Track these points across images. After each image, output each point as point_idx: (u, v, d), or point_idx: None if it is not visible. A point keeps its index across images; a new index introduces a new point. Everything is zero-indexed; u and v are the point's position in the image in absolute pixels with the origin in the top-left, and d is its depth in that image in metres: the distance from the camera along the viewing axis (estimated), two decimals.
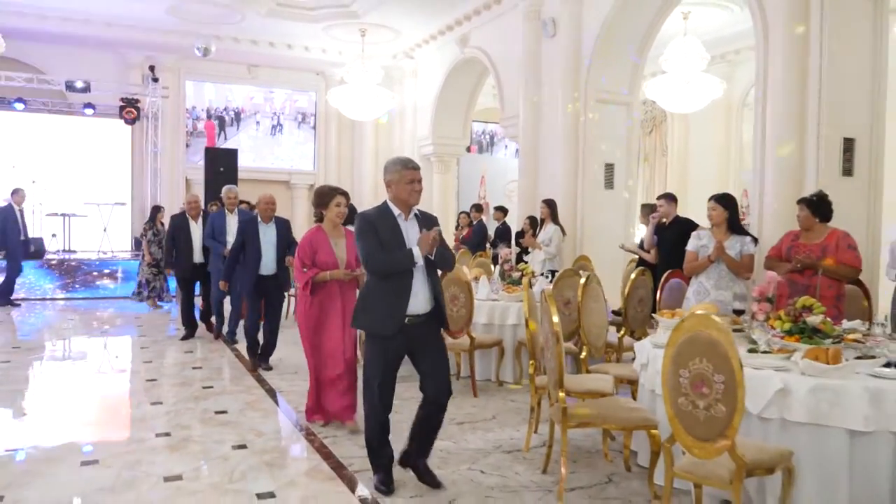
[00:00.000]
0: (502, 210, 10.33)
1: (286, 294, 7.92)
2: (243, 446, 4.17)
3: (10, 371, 6.19)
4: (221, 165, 11.92)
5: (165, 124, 13.78)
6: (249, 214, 7.61)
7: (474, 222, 10.03)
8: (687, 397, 2.76)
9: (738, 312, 4.40)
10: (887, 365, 3.30)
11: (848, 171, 6.34)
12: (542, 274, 7.05)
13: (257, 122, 15.50)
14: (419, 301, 3.40)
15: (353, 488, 3.56)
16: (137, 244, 12.30)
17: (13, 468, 3.79)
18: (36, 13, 11.96)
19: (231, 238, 7.24)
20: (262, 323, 6.39)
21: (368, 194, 15.52)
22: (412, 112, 14.62)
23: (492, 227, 11.19)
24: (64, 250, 12.75)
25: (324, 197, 4.57)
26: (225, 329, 7.70)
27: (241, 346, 7.11)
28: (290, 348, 6.85)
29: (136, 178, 13.84)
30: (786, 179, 6.37)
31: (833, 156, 6.27)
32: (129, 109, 12.83)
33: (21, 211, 10.79)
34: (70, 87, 12.23)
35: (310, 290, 4.47)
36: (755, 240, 5.00)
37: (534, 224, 8.76)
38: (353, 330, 4.51)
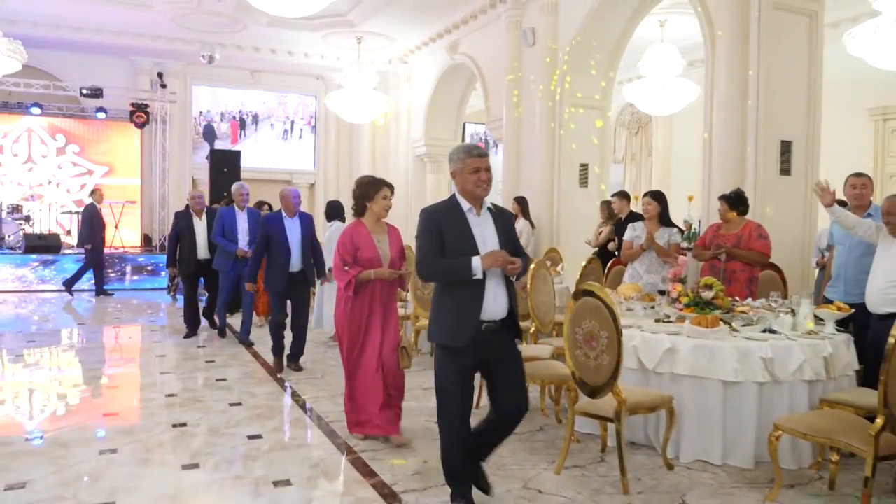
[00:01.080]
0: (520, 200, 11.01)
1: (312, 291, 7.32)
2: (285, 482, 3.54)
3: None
4: (225, 166, 12.68)
5: (173, 127, 14.57)
6: (257, 212, 7.63)
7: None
8: (581, 350, 3.49)
9: (663, 293, 5.12)
10: (765, 331, 4.03)
11: (786, 170, 7.04)
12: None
13: (271, 125, 16.30)
14: (495, 306, 3.04)
15: None
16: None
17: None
18: (51, 23, 12.75)
19: (242, 236, 7.30)
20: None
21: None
22: (406, 114, 15.36)
23: None
24: (77, 245, 13.53)
25: (369, 188, 4.15)
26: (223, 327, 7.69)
27: (258, 347, 7.02)
28: (317, 349, 6.98)
29: (146, 178, 14.64)
30: (729, 178, 7.05)
31: (771, 157, 6.97)
32: (140, 114, 13.62)
33: (100, 209, 11.59)
34: (84, 92, 12.97)
35: (352, 291, 4.08)
36: (681, 231, 5.72)
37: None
38: (396, 334, 4.20)
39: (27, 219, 12.93)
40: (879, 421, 2.90)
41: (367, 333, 4.17)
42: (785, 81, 6.98)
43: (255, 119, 16.10)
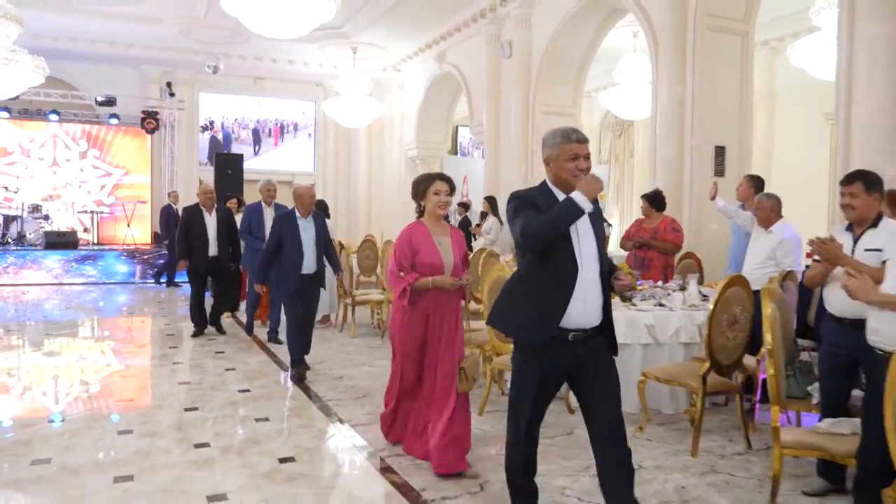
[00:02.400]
0: (464, 206, 11.96)
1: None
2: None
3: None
4: (229, 168, 13.67)
5: (181, 132, 15.60)
6: (286, 209, 7.04)
7: (459, 218, 11.66)
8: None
9: None
10: (657, 304, 4.96)
11: (720, 172, 7.93)
12: None
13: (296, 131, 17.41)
14: (586, 311, 2.59)
15: None
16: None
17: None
18: (68, 36, 13.79)
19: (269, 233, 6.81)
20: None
21: (363, 192, 17.30)
22: (400, 119, 16.33)
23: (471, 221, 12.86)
24: (93, 243, 14.59)
25: (419, 186, 3.72)
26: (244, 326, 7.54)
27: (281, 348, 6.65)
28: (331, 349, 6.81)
29: (156, 179, 15.67)
30: (671, 179, 7.98)
31: (706, 160, 7.87)
32: (150, 121, 14.66)
33: (176, 209, 12.48)
34: (99, 101, 14.01)
35: (407, 300, 3.59)
36: (609, 224, 6.64)
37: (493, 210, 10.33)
38: (459, 353, 3.66)
39: (46, 217, 13.98)
40: (706, 364, 3.82)
41: (424, 350, 3.68)
42: (719, 93, 7.88)
43: (283, 127, 17.27)
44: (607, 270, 2.70)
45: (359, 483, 3.58)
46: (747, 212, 5.23)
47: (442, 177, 3.72)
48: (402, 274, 3.60)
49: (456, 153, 18.73)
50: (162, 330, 8.17)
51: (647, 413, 4.31)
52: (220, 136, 16.78)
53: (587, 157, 2.65)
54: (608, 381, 2.69)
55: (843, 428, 2.86)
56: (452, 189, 3.69)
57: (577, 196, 2.46)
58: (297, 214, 5.66)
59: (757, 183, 5.63)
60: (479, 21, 12.02)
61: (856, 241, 3.10)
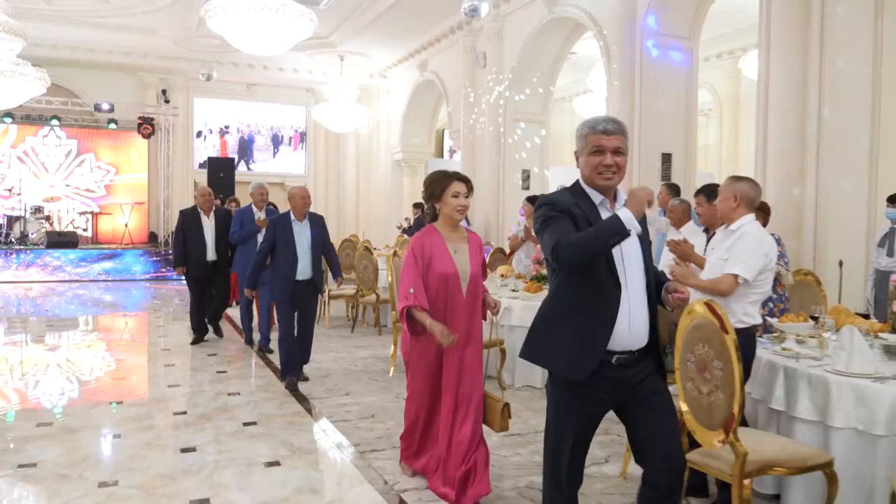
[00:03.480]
0: (420, 206, 12.65)
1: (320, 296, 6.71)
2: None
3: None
4: (221, 172, 14.37)
5: (176, 136, 16.31)
6: (276, 212, 7.12)
7: (414, 217, 12.38)
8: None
9: None
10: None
11: (667, 177, 8.63)
12: None
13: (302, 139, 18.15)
14: (631, 331, 2.25)
15: None
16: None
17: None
18: (68, 45, 14.50)
19: (261, 237, 6.55)
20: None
21: (351, 194, 18.00)
22: (386, 123, 17.04)
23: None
24: (92, 242, 15.30)
25: (435, 185, 3.26)
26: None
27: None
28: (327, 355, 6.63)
29: (152, 182, 16.38)
30: (622, 184, 8.65)
31: (654, 166, 8.57)
32: (146, 126, 15.37)
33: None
34: (97, 108, 14.72)
35: (405, 323, 3.24)
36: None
37: None
38: (477, 374, 3.29)
39: (47, 218, 14.69)
40: None
41: (440, 369, 3.28)
42: (666, 105, 8.58)
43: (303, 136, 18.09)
44: (654, 280, 2.34)
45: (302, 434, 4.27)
46: (663, 218, 5.92)
47: (460, 177, 3.26)
48: (411, 291, 3.15)
49: (442, 156, 19.41)
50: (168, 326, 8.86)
51: None
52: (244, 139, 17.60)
53: (617, 151, 2.25)
54: (661, 411, 2.28)
55: None
56: (471, 190, 3.26)
57: (624, 214, 2.06)
58: (292, 217, 5.40)
59: (674, 190, 6.31)
60: (456, 32, 12.72)
61: (708, 241, 3.78)
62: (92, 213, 15.54)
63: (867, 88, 6.46)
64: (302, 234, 5.39)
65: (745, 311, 3.09)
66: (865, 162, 6.48)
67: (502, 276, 6.39)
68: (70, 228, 15.13)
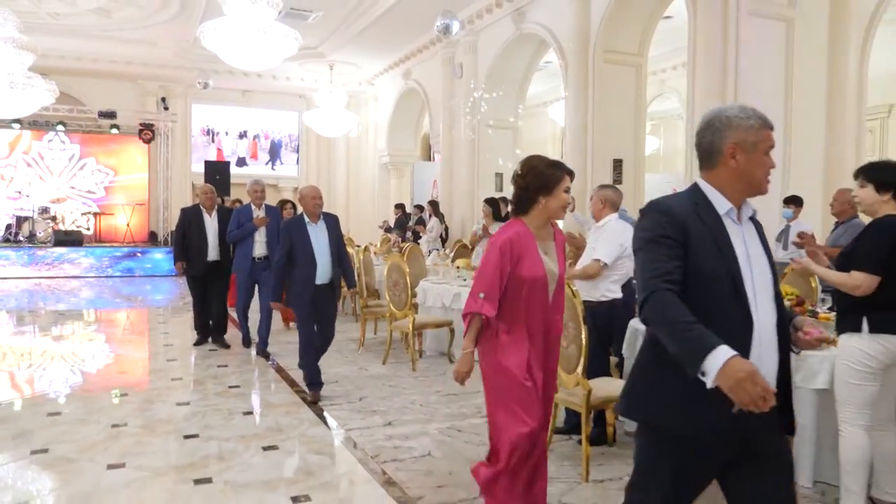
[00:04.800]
0: (401, 207, 13.58)
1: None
2: None
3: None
4: (217, 174, 15.28)
5: (175, 141, 17.23)
6: (277, 210, 7.02)
7: (395, 217, 13.28)
8: (391, 291, 6.04)
9: None
10: None
11: (618, 181, 9.54)
12: (429, 251, 10.32)
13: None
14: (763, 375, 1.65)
15: None
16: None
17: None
18: (73, 56, 15.42)
19: (259, 236, 6.63)
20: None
21: (342, 196, 18.90)
22: (374, 128, 17.96)
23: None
24: (96, 241, 16.22)
25: (549, 176, 2.78)
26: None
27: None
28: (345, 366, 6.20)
29: (152, 184, 17.29)
30: (578, 187, 9.55)
31: (605, 171, 9.48)
32: (146, 132, 16.30)
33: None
34: (101, 114, 15.66)
35: (465, 333, 2.86)
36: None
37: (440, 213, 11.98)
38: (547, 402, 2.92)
39: (54, 218, 15.60)
40: None
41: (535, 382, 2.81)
42: (617, 115, 9.49)
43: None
44: (787, 317, 1.89)
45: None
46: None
47: (568, 170, 2.84)
48: (481, 296, 2.72)
49: (429, 159, 20.31)
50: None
51: None
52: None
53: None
54: (780, 474, 1.84)
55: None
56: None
57: (717, 357, 1.59)
58: (306, 220, 5.09)
59: (619, 193, 7.21)
60: (436, 44, 13.62)
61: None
62: (95, 213, 16.45)
63: (779, 103, 7.38)
64: (318, 236, 5.09)
65: (607, 288, 4.00)
66: (778, 167, 7.38)
67: (458, 267, 7.30)
68: (75, 228, 16.04)
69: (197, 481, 3.44)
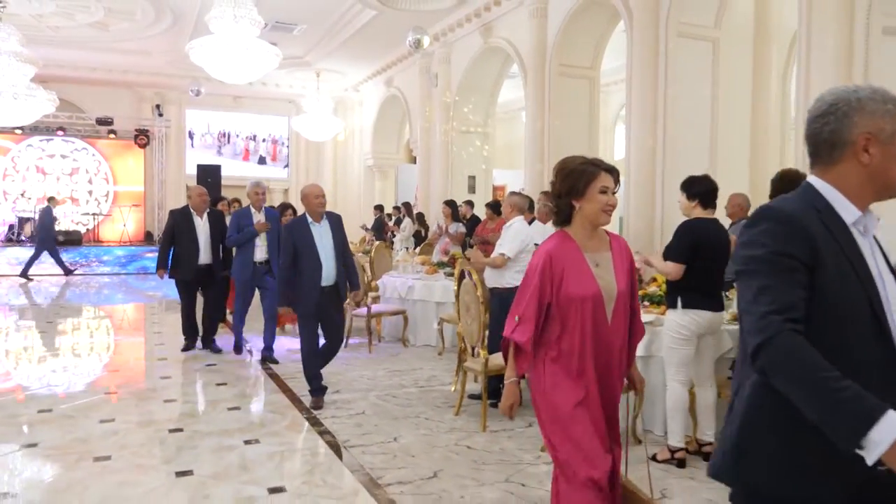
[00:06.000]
0: (379, 208, 14.40)
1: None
2: None
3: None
4: (209, 176, 16.12)
5: (169, 145, 18.09)
6: (276, 213, 6.84)
7: (375, 217, 14.12)
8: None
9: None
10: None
11: None
12: (401, 249, 11.17)
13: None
14: None
15: None
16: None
17: None
18: (71, 65, 16.25)
19: (259, 240, 6.43)
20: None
21: (329, 197, 19.62)
22: (360, 132, 18.82)
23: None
24: (95, 241, 17.07)
25: (578, 178, 2.42)
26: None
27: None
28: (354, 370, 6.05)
29: (148, 186, 18.15)
30: (535, 192, 10.42)
31: None
32: (142, 137, 17.17)
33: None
34: (99, 120, 16.51)
35: (507, 364, 2.46)
36: (464, 224, 9.10)
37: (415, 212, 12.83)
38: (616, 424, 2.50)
39: (54, 219, 16.44)
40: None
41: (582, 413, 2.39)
42: (572, 124, 10.33)
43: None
44: None
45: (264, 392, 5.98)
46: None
47: (607, 166, 2.47)
48: (516, 319, 2.41)
49: (414, 162, 21.16)
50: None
51: (443, 343, 6.79)
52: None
53: None
54: None
55: None
56: (618, 182, 2.47)
57: (893, 423, 1.21)
58: (309, 219, 4.95)
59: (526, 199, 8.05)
60: (413, 55, 14.45)
61: None
62: (93, 214, 17.30)
63: (706, 118, 8.23)
64: (323, 237, 4.92)
65: (512, 277, 4.85)
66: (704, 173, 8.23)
67: (419, 262, 8.16)
68: (74, 228, 16.88)
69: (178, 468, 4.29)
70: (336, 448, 4.07)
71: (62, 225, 16.64)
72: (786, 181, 3.94)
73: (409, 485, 3.50)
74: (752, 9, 8.56)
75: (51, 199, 14.95)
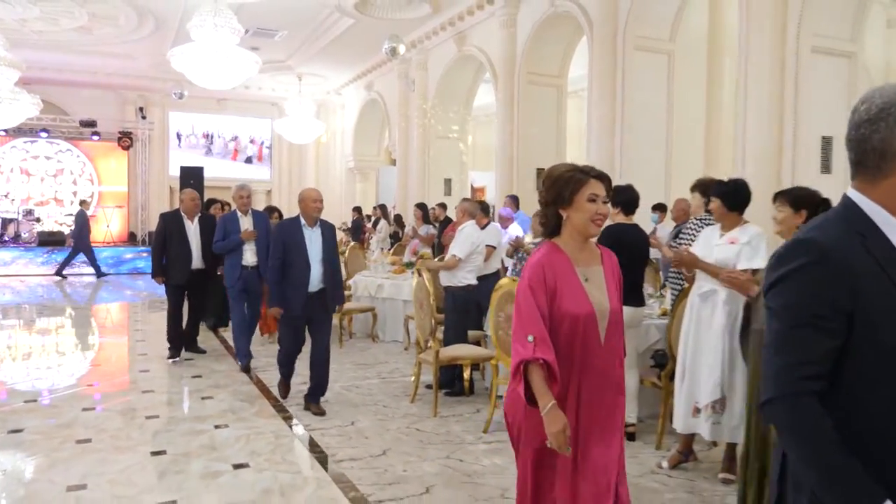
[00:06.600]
0: (357, 210, 14.79)
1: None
2: None
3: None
4: (192, 178, 16.42)
5: (153, 147, 18.40)
6: (265, 216, 6.71)
7: (352, 219, 14.52)
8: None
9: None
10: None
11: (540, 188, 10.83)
12: (377, 250, 11.57)
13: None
14: None
15: None
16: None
17: None
18: (55, 68, 16.50)
19: (248, 246, 6.26)
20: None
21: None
22: (341, 135, 19.20)
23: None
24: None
25: (564, 186, 2.26)
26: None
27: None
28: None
29: (131, 187, 18.42)
30: (504, 194, 10.87)
31: (529, 179, 10.77)
32: (125, 139, 17.47)
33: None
34: (81, 122, 16.80)
35: (522, 390, 2.15)
36: (435, 226, 9.52)
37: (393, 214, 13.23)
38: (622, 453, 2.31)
39: (38, 220, 16.71)
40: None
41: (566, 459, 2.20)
42: (540, 129, 10.79)
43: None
44: None
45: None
46: None
47: (597, 173, 2.30)
48: (530, 339, 2.15)
49: (394, 164, 21.56)
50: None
51: (409, 339, 7.21)
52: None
53: None
54: None
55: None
56: (609, 191, 2.32)
57: None
58: (303, 222, 4.88)
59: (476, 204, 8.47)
60: (392, 60, 14.85)
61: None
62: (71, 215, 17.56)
63: (662, 127, 8.70)
64: (314, 242, 4.87)
65: (464, 276, 5.29)
66: (660, 183, 8.72)
67: (390, 262, 8.58)
68: (58, 229, 17.14)
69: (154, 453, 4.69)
70: (298, 431, 4.49)
71: (45, 226, 16.90)
72: (701, 188, 4.42)
73: (359, 461, 3.91)
74: (705, 23, 9.05)
75: (83, 203, 15.31)
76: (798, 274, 1.26)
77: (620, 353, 2.32)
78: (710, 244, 3.63)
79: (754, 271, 3.35)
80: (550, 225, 2.31)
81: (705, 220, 4.46)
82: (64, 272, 14.23)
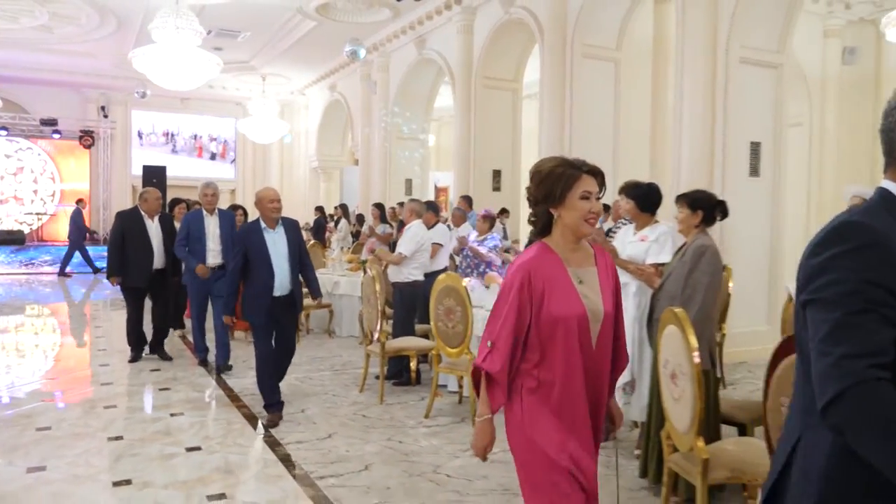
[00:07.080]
0: (320, 209, 15.04)
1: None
2: None
3: None
4: (154, 177, 16.47)
5: (115, 146, 18.36)
6: (232, 215, 6.51)
7: (315, 218, 14.75)
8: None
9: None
10: None
11: (497, 188, 11.20)
12: (337, 248, 11.82)
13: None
14: None
15: None
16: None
17: None
18: (16, 65, 16.39)
19: (213, 244, 6.08)
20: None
21: None
22: (305, 135, 19.36)
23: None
24: (38, 240, 17.24)
25: (555, 183, 2.12)
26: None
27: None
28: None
29: (93, 185, 18.36)
30: (457, 195, 11.22)
31: (486, 180, 11.13)
32: (87, 138, 17.42)
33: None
34: (42, 121, 16.72)
35: (487, 404, 2.11)
36: (392, 226, 9.82)
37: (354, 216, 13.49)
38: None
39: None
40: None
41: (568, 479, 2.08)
42: (496, 132, 11.15)
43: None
44: None
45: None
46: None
47: (590, 168, 2.17)
48: (489, 345, 2.09)
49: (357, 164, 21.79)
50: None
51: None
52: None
53: None
54: None
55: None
56: (603, 186, 2.18)
57: None
58: (263, 225, 4.72)
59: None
60: (355, 62, 15.10)
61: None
62: (37, 214, 17.46)
63: (609, 132, 9.11)
64: (276, 244, 4.69)
65: (409, 272, 5.62)
66: (609, 186, 9.11)
67: (347, 260, 8.85)
68: (17, 228, 17.03)
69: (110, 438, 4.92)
70: (250, 418, 4.76)
71: (5, 225, 16.79)
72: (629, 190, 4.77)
73: (306, 443, 4.21)
74: (650, 32, 9.49)
75: (79, 202, 15.41)
76: (852, 257, 1.14)
77: (608, 364, 2.18)
78: (625, 241, 4.01)
79: (659, 265, 3.72)
80: (540, 224, 2.17)
81: (628, 221, 4.83)
82: (67, 269, 14.67)
